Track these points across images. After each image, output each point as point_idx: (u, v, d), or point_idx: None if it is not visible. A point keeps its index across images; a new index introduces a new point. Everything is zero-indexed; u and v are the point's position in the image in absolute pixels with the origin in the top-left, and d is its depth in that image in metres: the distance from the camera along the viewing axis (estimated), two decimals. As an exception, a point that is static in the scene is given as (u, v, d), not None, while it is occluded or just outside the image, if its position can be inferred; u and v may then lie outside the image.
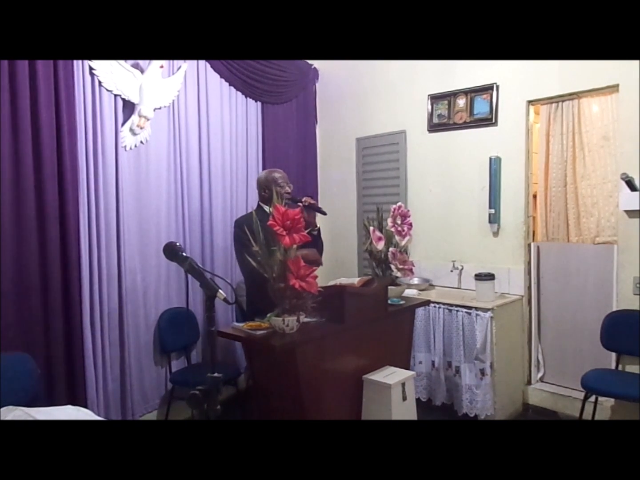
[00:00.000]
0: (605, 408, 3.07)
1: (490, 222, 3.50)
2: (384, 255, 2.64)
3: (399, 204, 2.72)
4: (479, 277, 3.29)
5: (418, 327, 3.34)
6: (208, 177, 3.52)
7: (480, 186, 3.56)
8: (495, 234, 3.52)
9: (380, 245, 2.61)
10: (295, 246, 2.13)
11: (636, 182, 2.88)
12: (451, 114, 3.68)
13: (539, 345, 3.53)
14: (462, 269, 3.64)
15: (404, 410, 2.33)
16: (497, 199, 3.48)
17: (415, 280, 3.64)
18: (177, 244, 1.49)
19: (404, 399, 2.34)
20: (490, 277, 3.28)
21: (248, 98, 3.81)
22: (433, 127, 3.79)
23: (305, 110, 4.30)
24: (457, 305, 3.25)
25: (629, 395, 2.75)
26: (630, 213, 2.95)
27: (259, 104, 3.91)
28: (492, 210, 3.47)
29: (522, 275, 3.43)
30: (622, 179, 2.88)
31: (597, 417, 3.02)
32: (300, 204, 2.74)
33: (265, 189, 2.82)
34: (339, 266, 4.32)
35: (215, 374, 1.32)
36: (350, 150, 4.32)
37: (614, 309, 3.08)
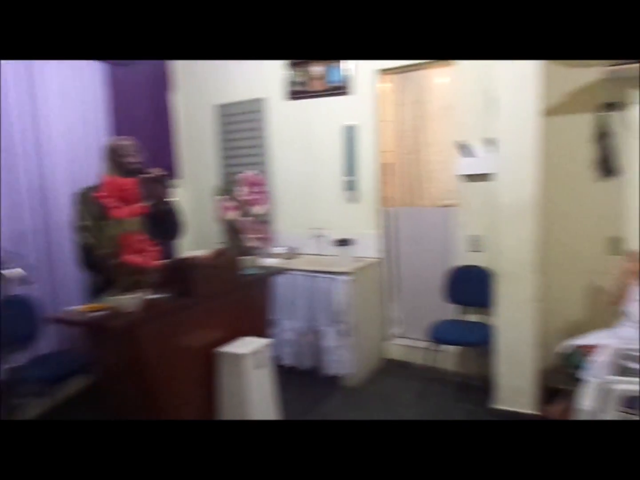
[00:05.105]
0: (451, 355, 3.38)
1: (347, 189, 3.60)
2: (236, 225, 2.59)
3: (250, 172, 2.68)
4: (338, 242, 3.39)
5: (282, 295, 3.38)
6: (46, 148, 3.16)
7: (339, 154, 3.64)
8: (353, 200, 3.64)
9: (231, 215, 2.55)
10: (134, 219, 2.00)
11: (474, 149, 3.12)
12: (308, 81, 3.68)
13: (397, 304, 3.76)
14: (324, 235, 3.72)
15: (260, 379, 2.35)
16: (354, 167, 3.58)
17: (279, 249, 3.65)
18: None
19: (260, 367, 2.35)
20: (348, 242, 3.39)
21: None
22: (291, 95, 3.77)
23: (159, 76, 4.03)
24: (318, 272, 3.32)
25: (469, 342, 3.05)
26: (466, 177, 3.20)
27: (106, 67, 3.56)
28: (349, 178, 3.57)
29: (378, 239, 3.60)
30: (456, 146, 3.11)
31: (443, 365, 3.32)
32: (146, 175, 2.59)
33: (109, 160, 2.62)
34: (205, 237, 4.20)
35: (13, 365, 1.19)
36: (211, 118, 4.16)
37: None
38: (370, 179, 3.56)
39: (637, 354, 2.41)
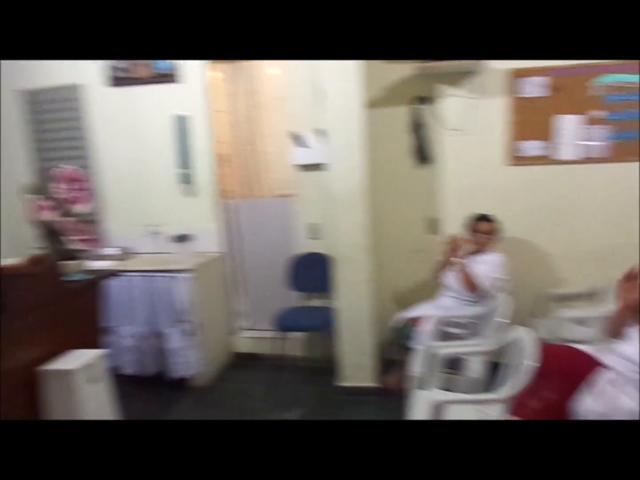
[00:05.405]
0: (298, 341, 3.47)
1: (183, 182, 3.45)
2: (55, 227, 2.30)
3: (68, 166, 2.40)
4: (176, 239, 3.24)
5: (118, 300, 3.12)
6: None
7: (172, 146, 3.45)
8: (190, 194, 3.50)
9: (48, 216, 2.26)
10: None
11: (307, 139, 3.21)
12: (132, 67, 3.42)
13: (242, 296, 3.74)
14: (160, 232, 3.52)
15: (94, 394, 2.13)
16: (188, 159, 3.43)
17: (110, 250, 3.36)
18: None
19: (93, 381, 2.13)
20: (187, 238, 3.26)
21: None
22: (114, 81, 3.46)
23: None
24: (156, 271, 3.13)
25: (313, 327, 3.17)
26: (301, 167, 3.30)
27: None
28: (184, 170, 3.42)
29: (219, 233, 3.53)
30: (289, 136, 3.18)
31: (291, 352, 3.40)
32: None
33: None
34: (18, 242, 3.68)
35: None
36: (17, 106, 3.63)
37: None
38: (206, 171, 3.46)
39: (456, 320, 2.75)
